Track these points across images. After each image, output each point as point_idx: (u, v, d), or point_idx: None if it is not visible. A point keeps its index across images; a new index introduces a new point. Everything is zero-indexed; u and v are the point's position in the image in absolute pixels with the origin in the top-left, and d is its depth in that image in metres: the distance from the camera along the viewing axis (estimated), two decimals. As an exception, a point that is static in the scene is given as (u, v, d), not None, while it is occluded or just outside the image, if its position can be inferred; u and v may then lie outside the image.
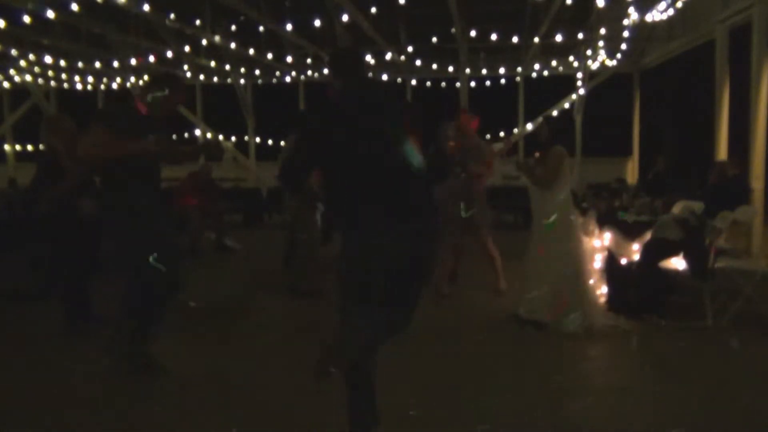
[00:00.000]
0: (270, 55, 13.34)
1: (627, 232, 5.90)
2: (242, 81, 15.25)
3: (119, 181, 3.91)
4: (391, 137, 2.76)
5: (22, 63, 12.99)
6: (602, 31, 11.10)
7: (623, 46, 11.90)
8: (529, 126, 14.29)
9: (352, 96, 2.89)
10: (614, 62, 13.45)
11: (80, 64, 13.48)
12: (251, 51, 12.69)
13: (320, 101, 3.10)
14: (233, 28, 12.33)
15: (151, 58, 13.12)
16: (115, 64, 13.41)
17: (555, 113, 13.78)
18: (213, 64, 13.68)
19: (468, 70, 14.54)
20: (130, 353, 3.97)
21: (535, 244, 5.09)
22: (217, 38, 11.64)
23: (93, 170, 4.51)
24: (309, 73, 15.32)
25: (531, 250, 5.16)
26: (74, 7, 8.88)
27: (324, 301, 5.84)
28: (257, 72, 15.55)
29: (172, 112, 4.22)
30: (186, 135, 15.93)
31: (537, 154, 5.51)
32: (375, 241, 2.62)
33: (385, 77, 14.91)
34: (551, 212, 4.96)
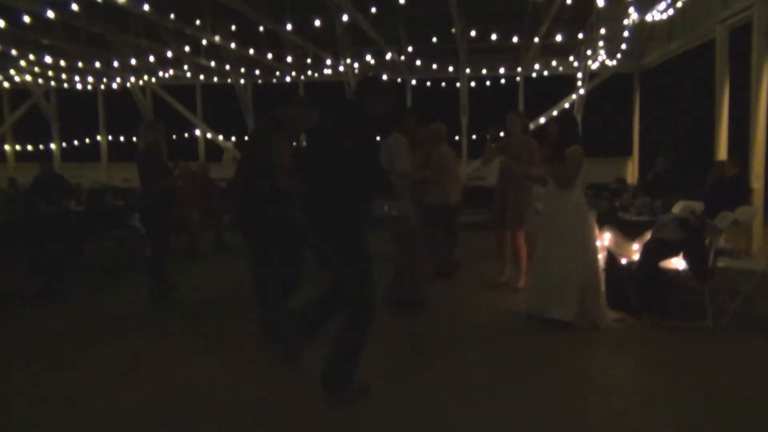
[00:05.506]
0: (270, 55, 13.35)
1: (627, 232, 5.89)
2: (242, 81, 15.26)
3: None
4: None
5: (22, 63, 13.00)
6: (602, 31, 11.12)
7: (623, 46, 11.90)
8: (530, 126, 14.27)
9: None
10: (614, 62, 13.45)
11: (80, 64, 13.49)
12: (251, 51, 12.70)
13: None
14: (233, 28, 12.35)
15: (151, 58, 13.14)
16: (115, 64, 13.43)
17: (555, 113, 13.73)
18: (213, 64, 13.69)
19: (468, 70, 14.55)
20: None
21: (549, 242, 5.05)
22: (217, 38, 11.65)
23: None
24: (309, 73, 15.33)
25: (543, 248, 5.14)
26: (74, 7, 8.88)
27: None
28: (257, 72, 15.56)
29: None
30: (186, 135, 15.97)
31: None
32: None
33: (385, 77, 14.91)
34: (571, 210, 4.96)
